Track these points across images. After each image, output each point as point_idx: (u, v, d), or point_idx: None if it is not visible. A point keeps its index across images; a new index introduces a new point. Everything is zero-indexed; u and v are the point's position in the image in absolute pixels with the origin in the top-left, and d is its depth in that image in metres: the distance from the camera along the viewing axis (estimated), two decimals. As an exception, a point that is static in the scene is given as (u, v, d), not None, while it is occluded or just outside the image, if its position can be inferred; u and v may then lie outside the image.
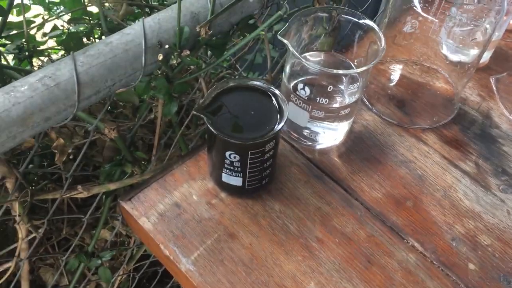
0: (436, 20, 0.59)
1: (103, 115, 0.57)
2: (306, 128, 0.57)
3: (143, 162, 0.63)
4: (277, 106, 0.50)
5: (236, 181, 0.52)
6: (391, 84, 0.68)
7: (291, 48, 0.51)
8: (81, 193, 0.56)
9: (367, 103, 0.66)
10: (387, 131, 0.63)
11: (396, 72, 0.69)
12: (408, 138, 0.63)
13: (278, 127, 0.48)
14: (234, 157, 0.49)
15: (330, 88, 0.52)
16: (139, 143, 0.72)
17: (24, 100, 0.44)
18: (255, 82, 0.52)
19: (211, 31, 0.55)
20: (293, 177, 0.57)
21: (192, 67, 0.61)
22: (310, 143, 0.59)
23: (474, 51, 0.62)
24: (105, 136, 0.59)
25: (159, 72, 0.58)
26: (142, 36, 0.51)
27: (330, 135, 0.59)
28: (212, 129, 0.47)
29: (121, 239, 0.84)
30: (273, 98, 0.51)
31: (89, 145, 0.76)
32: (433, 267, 0.51)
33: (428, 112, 0.65)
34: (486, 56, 0.72)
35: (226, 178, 0.52)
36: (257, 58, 1.00)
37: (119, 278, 0.81)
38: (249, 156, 0.49)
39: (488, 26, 0.60)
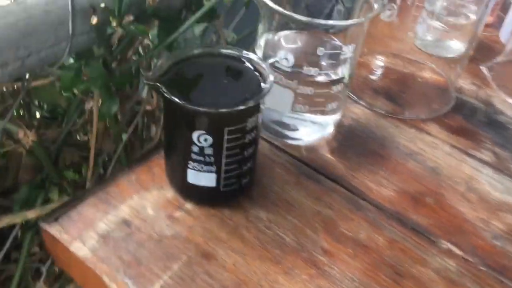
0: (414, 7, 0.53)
1: (16, 116, 0.42)
2: (290, 116, 0.45)
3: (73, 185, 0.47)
4: (255, 72, 0.38)
5: (208, 179, 0.38)
6: (375, 76, 0.58)
7: (270, 3, 0.40)
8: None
9: (353, 95, 0.55)
10: (381, 123, 0.52)
11: (377, 64, 0.60)
12: (407, 129, 0.52)
13: (264, 90, 0.35)
14: (205, 140, 0.35)
15: (321, 50, 0.41)
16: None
17: None
18: (224, 50, 0.40)
19: (160, -3, 0.43)
20: (278, 179, 0.44)
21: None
22: (295, 137, 0.47)
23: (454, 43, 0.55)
24: (20, 146, 0.43)
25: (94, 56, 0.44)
26: (68, -8, 0.38)
27: (318, 125, 0.47)
28: (172, 98, 0.34)
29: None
30: (249, 64, 0.39)
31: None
32: (481, 273, 0.38)
33: (422, 102, 0.56)
34: (468, 48, 0.65)
35: (193, 176, 0.38)
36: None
37: None
38: (225, 136, 0.35)
39: (470, 15, 0.54)
